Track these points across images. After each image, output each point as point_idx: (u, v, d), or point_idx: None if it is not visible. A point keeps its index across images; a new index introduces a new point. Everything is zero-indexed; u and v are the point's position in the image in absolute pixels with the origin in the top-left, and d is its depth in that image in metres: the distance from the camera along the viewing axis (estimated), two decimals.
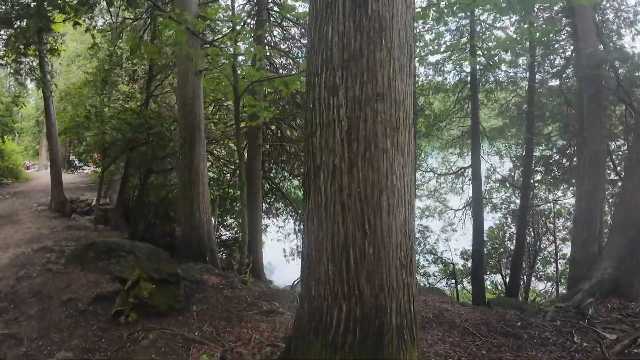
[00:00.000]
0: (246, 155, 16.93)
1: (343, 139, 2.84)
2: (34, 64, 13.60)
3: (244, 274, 6.76)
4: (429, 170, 15.10)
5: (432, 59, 13.48)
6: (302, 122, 13.51)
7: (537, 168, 13.33)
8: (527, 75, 12.63)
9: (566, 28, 10.78)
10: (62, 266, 7.97)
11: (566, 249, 14.41)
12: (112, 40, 16.89)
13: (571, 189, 13.76)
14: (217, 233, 16.55)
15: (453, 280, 13.99)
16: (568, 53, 12.25)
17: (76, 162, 26.36)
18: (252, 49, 6.91)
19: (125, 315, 4.96)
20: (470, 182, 14.65)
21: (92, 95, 17.51)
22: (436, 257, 14.49)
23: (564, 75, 11.80)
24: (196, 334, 4.50)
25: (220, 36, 12.34)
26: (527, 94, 12.01)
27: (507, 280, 12.35)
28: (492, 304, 5.13)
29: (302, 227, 12.61)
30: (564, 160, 13.02)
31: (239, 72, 7.93)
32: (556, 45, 11.46)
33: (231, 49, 8.17)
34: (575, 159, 12.64)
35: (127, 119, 12.11)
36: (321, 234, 2.88)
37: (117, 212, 15.34)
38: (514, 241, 12.43)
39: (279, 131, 14.35)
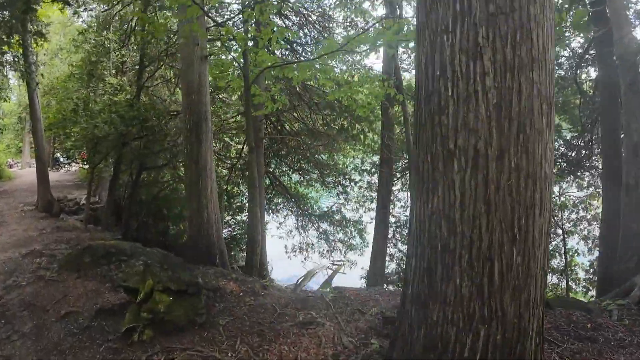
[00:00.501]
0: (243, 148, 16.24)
1: (490, 117, 2.18)
2: (18, 53, 12.46)
3: (264, 278, 6.03)
4: None
5: None
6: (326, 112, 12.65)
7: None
8: None
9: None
10: (55, 273, 7.08)
11: (570, 242, 14.07)
12: (98, 31, 15.81)
13: (577, 181, 13.40)
14: None
15: None
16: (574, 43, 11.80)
17: (61, 160, 24.99)
18: (274, 29, 6.11)
19: (139, 332, 4.18)
20: None
21: (77, 89, 16.35)
22: None
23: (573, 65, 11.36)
24: (229, 354, 3.76)
25: (228, 18, 11.40)
26: None
27: None
28: (552, 304, 4.54)
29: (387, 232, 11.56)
30: (571, 153, 12.62)
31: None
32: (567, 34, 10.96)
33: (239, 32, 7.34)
34: (584, 151, 12.26)
35: (119, 112, 11.15)
36: (452, 243, 2.20)
37: (108, 211, 14.33)
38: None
39: (279, 124, 13.57)
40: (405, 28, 6.33)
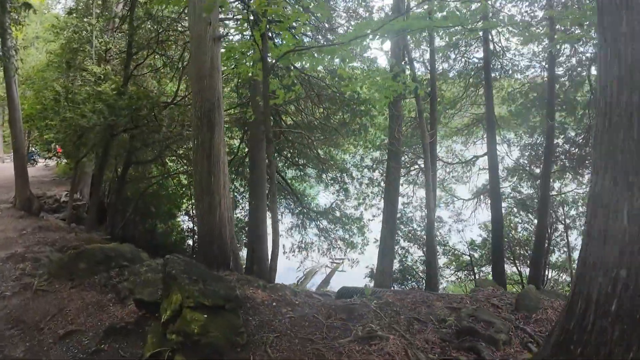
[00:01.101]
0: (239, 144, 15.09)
1: None
2: None
3: (294, 284, 5.24)
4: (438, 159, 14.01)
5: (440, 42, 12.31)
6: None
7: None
8: (546, 62, 11.84)
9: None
10: (44, 281, 6.04)
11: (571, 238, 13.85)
12: (79, 17, 14.44)
13: (578, 178, 13.18)
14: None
15: (464, 272, 13.07)
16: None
17: (36, 154, 23.08)
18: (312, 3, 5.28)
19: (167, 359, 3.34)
20: (479, 171, 13.80)
21: (56, 78, 14.91)
22: (448, 248, 13.49)
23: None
24: None
25: None
26: (548, 81, 11.13)
27: (529, 270, 11.60)
28: None
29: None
30: (574, 149, 12.36)
31: None
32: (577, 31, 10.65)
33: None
34: (587, 148, 11.98)
35: (108, 101, 10.01)
36: None
37: (93, 209, 13.10)
38: (535, 231, 11.64)
39: (277, 116, 12.70)
40: None
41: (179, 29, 14.18)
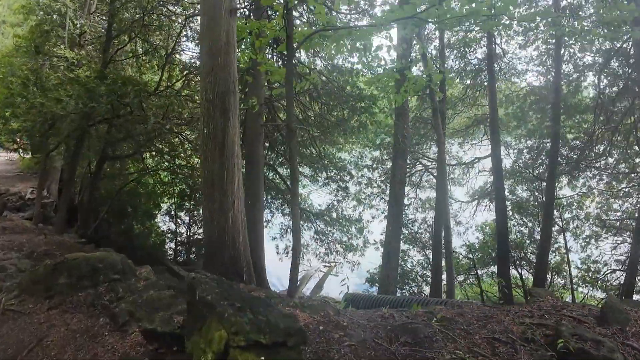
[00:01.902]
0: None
1: None
2: None
3: (336, 301, 4.30)
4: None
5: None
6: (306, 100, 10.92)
7: (544, 160, 12.30)
8: (544, 65, 11.52)
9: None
10: (14, 299, 4.73)
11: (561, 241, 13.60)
12: None
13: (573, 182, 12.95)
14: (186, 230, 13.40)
15: (464, 275, 12.46)
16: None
17: None
18: None
19: None
20: (479, 173, 13.31)
21: (24, 63, 13.12)
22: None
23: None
24: None
25: None
26: (553, 84, 10.74)
27: (533, 273, 11.15)
28: None
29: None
30: (573, 154, 12.10)
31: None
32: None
33: None
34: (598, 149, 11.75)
35: (88, 84, 8.61)
36: None
37: (63, 208, 11.49)
38: (540, 233, 11.20)
39: (273, 111, 11.64)
40: None
41: (165, 13, 12.84)
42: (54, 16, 12.30)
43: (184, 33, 13.21)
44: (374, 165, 12.90)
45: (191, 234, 13.77)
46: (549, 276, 12.76)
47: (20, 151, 16.65)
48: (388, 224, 10.04)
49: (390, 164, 11.82)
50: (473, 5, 4.37)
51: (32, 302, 4.52)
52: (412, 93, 7.79)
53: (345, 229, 12.21)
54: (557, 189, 12.90)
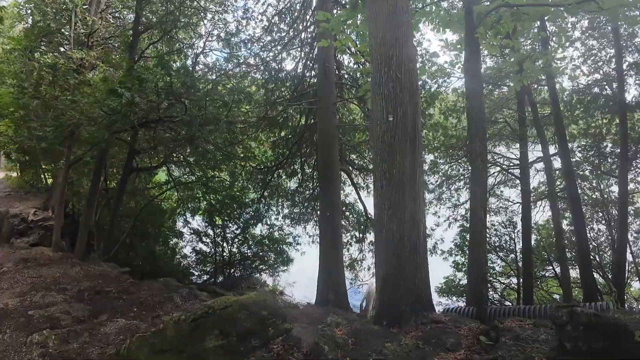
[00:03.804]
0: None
1: None
2: None
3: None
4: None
5: None
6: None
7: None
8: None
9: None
10: None
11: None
12: None
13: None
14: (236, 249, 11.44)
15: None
16: None
17: None
18: None
19: None
20: (537, 174, 12.18)
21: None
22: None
23: None
24: None
25: None
26: (617, 79, 9.89)
27: (612, 277, 10.11)
28: None
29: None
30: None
31: None
32: None
33: None
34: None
35: (143, 76, 6.65)
36: None
37: (85, 231, 9.25)
38: (616, 234, 10.19)
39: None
40: None
41: (194, 6, 10.91)
42: (54, 16, 10.13)
43: (214, 31, 11.38)
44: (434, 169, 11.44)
45: (224, 253, 11.73)
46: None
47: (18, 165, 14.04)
48: (472, 226, 8.63)
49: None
50: None
51: None
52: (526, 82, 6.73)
53: None
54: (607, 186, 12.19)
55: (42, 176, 13.91)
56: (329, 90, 7.85)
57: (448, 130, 10.96)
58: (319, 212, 8.98)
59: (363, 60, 7.19)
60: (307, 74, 9.74)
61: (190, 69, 10.54)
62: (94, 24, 10.28)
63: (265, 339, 3.05)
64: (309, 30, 9.72)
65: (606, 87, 11.16)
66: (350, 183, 10.09)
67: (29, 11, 10.81)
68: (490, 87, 11.16)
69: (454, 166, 11.75)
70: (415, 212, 3.66)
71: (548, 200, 11.09)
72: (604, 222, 11.46)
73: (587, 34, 11.12)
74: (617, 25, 9.70)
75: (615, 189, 12.26)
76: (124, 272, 7.33)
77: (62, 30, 10.35)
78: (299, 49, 10.01)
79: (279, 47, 10.07)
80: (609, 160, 11.62)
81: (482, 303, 4.70)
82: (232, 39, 10.83)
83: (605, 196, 12.13)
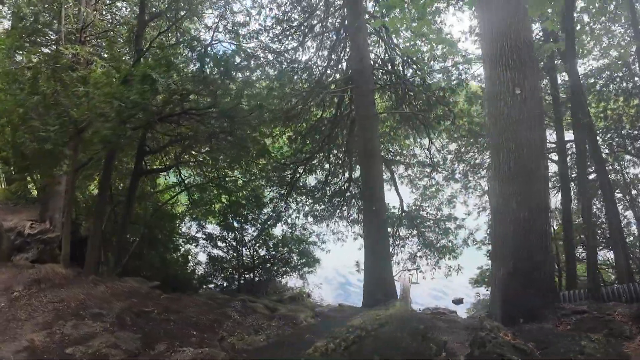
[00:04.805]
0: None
1: None
2: None
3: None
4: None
5: None
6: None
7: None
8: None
9: None
10: None
11: None
12: None
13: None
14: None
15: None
16: None
17: None
18: None
19: None
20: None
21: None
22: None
23: None
24: None
25: None
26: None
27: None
28: None
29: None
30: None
31: None
32: None
33: None
34: None
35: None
36: None
37: (95, 242, 8.14)
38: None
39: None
40: None
41: None
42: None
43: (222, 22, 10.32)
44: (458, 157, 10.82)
45: (243, 257, 10.76)
46: None
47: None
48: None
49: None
50: None
51: None
52: None
53: (441, 230, 9.91)
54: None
55: (33, 185, 12.45)
56: (367, 77, 7.05)
57: (472, 118, 10.38)
58: (362, 209, 8.16)
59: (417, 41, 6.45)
60: (332, 64, 8.93)
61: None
62: (87, 17, 9.09)
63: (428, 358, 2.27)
64: (335, 15, 8.90)
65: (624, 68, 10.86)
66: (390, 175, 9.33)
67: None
68: None
69: (477, 155, 11.20)
70: (544, 196, 3.00)
71: (577, 184, 10.75)
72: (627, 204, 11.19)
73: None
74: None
75: (634, 170, 12.08)
76: (153, 287, 6.33)
77: (51, 25, 9.19)
78: (324, 35, 9.16)
79: (309, 35, 9.16)
80: (627, 141, 11.39)
81: (598, 287, 4.40)
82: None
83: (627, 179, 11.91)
